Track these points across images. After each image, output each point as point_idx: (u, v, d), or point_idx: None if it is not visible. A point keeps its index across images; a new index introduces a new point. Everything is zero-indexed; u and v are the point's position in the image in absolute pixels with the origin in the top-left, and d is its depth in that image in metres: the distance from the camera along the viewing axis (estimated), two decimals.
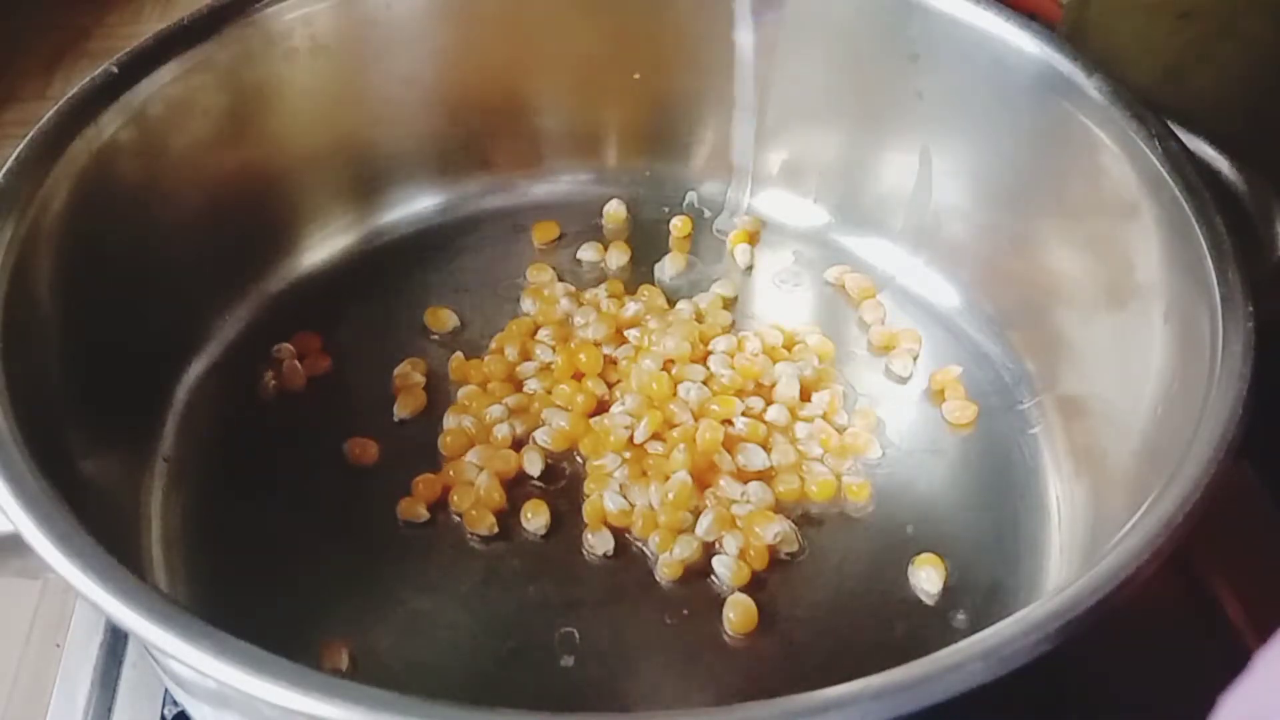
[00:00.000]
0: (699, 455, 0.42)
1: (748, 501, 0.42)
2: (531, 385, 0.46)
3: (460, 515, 0.42)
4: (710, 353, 0.46)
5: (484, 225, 0.53)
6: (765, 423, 0.44)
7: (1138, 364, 0.39)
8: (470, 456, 0.43)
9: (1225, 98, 0.44)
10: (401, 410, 0.45)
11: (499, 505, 0.42)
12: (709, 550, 0.41)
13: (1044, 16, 0.55)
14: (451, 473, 0.43)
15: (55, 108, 0.39)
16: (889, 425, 0.46)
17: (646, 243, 0.53)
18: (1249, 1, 0.42)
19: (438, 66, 0.50)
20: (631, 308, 0.48)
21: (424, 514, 0.42)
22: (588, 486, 0.43)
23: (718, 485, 0.42)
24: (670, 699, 0.38)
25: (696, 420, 0.43)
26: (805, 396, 0.45)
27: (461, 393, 0.46)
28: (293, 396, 0.46)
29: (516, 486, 0.43)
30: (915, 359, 0.48)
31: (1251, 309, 0.34)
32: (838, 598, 0.40)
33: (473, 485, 0.42)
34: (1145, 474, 0.36)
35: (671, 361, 0.46)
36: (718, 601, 0.40)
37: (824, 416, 0.45)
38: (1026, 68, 0.44)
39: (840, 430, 0.45)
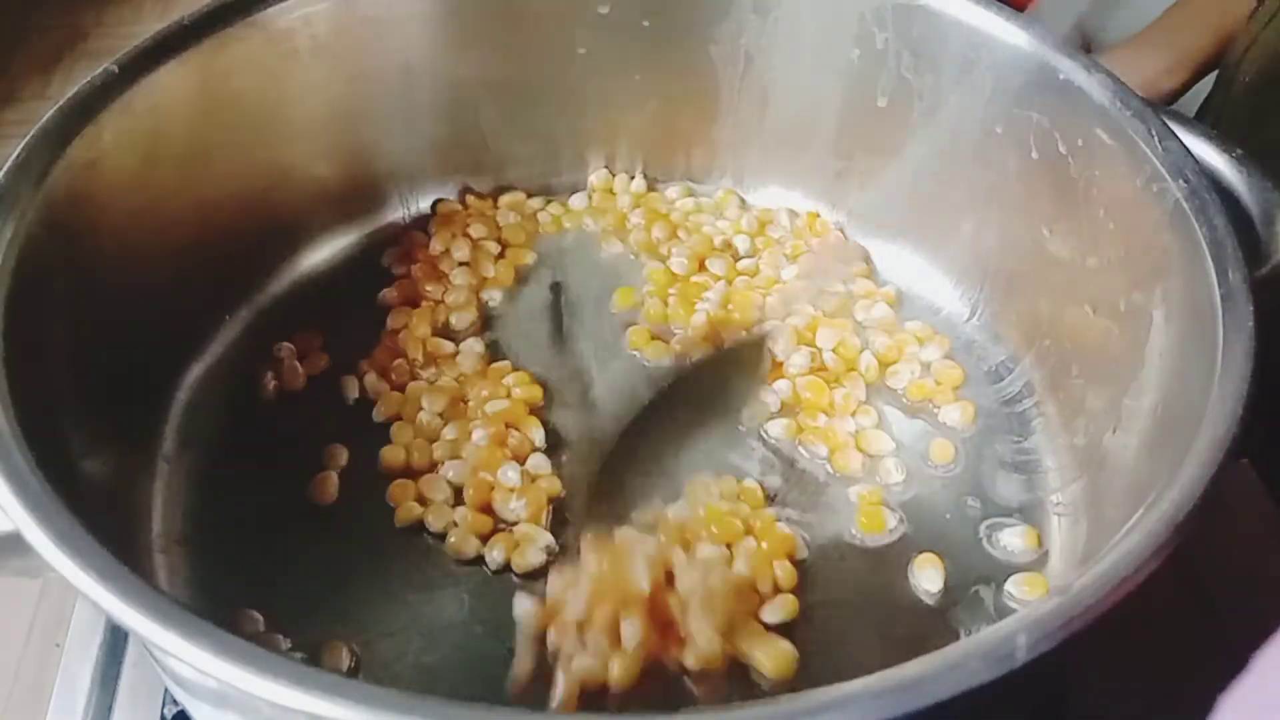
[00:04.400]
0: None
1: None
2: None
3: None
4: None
5: None
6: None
7: (1138, 364, 0.39)
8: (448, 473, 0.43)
9: None
10: (378, 415, 0.45)
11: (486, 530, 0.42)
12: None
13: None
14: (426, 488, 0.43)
15: (55, 108, 0.39)
16: (890, 425, 0.46)
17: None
18: None
19: (438, 67, 0.50)
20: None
21: (418, 510, 0.42)
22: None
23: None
24: (670, 699, 0.37)
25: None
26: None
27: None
28: (293, 396, 0.46)
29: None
30: (916, 358, 0.48)
31: (1252, 309, 0.34)
32: (838, 597, 0.40)
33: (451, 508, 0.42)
34: (1145, 474, 0.36)
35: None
36: None
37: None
38: (1026, 68, 0.44)
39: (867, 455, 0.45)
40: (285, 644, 0.38)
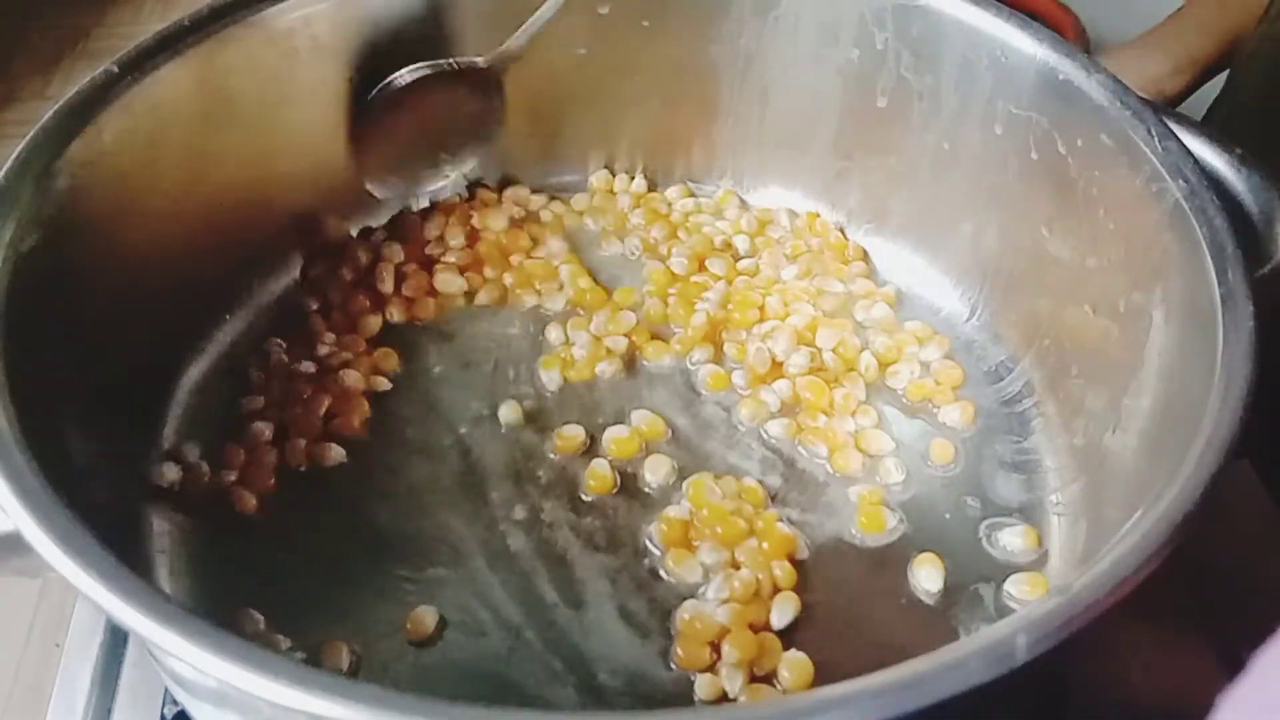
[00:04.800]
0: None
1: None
2: None
3: None
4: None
5: None
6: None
7: (1138, 364, 0.39)
8: None
9: None
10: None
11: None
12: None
13: (1044, 17, 0.55)
14: None
15: (55, 108, 0.39)
16: (890, 425, 0.46)
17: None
18: None
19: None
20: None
21: None
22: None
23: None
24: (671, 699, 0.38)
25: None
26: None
27: None
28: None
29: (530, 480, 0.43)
30: (916, 358, 0.48)
31: (1252, 309, 0.34)
32: (838, 597, 0.40)
33: None
34: (1145, 474, 0.36)
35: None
36: None
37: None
38: (1026, 68, 0.44)
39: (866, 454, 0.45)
40: (285, 644, 0.38)
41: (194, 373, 0.46)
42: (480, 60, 0.49)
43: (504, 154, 0.54)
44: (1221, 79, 0.69)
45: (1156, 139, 0.39)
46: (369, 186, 0.50)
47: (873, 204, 0.52)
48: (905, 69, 0.48)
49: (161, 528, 0.41)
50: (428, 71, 0.48)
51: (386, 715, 0.25)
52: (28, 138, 0.38)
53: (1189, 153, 0.39)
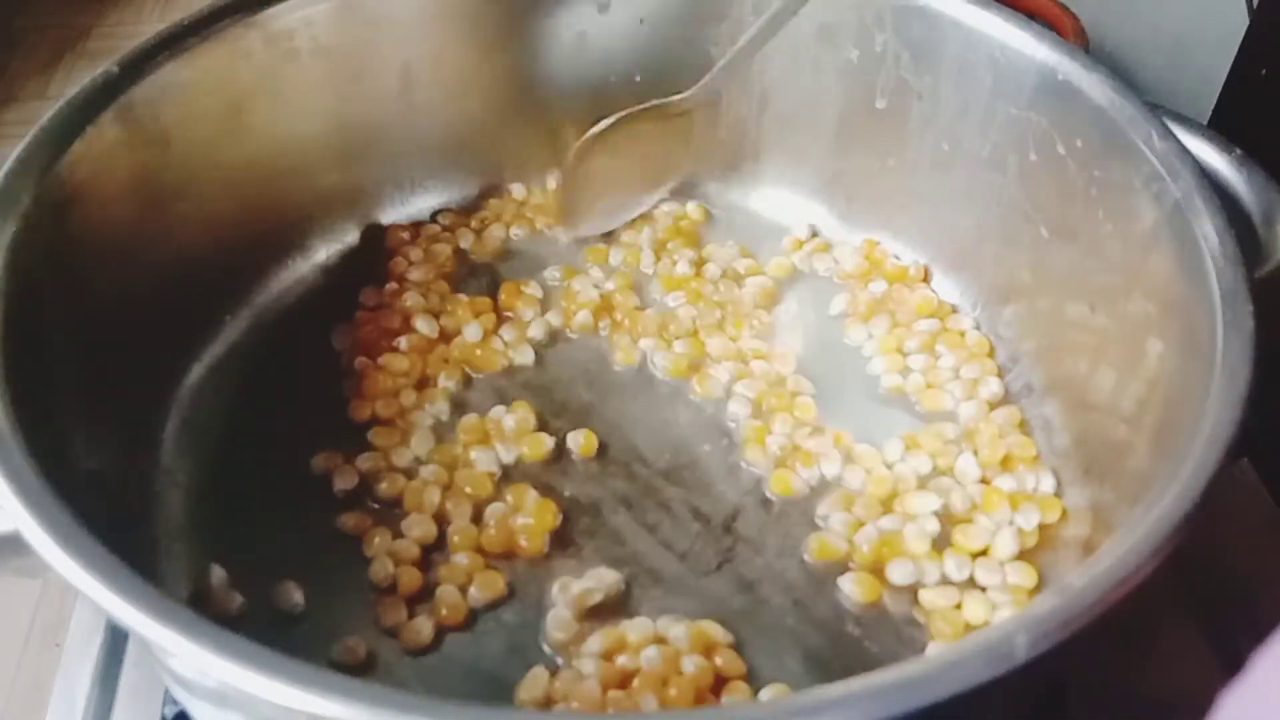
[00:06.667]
0: None
1: None
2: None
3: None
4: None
5: None
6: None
7: (1138, 363, 0.39)
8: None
9: None
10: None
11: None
12: None
13: (1044, 17, 0.55)
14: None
15: (55, 108, 0.39)
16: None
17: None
18: None
19: (438, 68, 0.50)
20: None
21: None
22: None
23: None
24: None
25: None
26: None
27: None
28: (294, 395, 0.46)
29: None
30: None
31: (1251, 309, 0.34)
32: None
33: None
34: (1145, 474, 0.36)
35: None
36: None
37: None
38: (1027, 68, 0.44)
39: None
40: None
41: (194, 374, 0.46)
42: (681, 99, 0.50)
43: (502, 156, 0.54)
44: (1220, 77, 0.68)
45: (1156, 139, 0.39)
46: (569, 230, 0.52)
47: (872, 205, 0.52)
48: (904, 70, 0.48)
49: (161, 527, 0.41)
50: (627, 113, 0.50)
51: (386, 715, 0.25)
52: (28, 138, 0.38)
53: (1189, 153, 0.39)
